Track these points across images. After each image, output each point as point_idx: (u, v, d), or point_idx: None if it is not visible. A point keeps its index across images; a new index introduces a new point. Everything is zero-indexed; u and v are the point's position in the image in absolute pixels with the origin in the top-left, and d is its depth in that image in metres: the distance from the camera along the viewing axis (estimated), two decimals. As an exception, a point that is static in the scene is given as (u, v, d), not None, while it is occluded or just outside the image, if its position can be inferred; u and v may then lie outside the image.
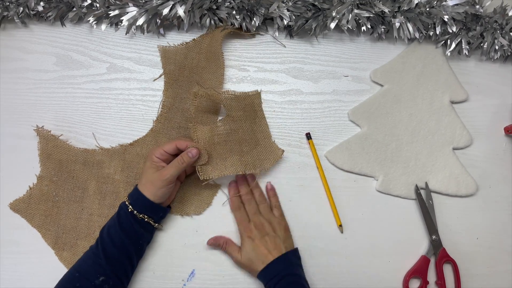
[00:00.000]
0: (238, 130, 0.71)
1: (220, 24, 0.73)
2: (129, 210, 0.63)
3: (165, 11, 0.69)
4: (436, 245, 0.71)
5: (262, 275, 0.65)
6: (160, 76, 0.75)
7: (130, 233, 0.62)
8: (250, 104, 0.72)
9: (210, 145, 0.69)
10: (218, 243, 0.69)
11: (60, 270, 0.68)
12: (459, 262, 0.71)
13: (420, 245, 0.73)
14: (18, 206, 0.69)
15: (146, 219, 0.63)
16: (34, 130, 0.70)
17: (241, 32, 0.75)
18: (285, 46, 0.77)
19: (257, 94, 0.73)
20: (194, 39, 0.74)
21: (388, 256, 0.72)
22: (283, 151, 0.72)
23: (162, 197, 0.64)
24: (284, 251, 0.65)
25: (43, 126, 0.71)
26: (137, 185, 0.65)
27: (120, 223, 0.62)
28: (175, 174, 0.63)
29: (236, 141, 0.70)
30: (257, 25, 0.73)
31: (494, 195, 0.75)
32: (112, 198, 0.70)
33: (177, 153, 0.66)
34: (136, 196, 0.64)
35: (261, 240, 0.66)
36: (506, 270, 0.73)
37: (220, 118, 0.73)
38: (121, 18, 0.71)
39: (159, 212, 0.66)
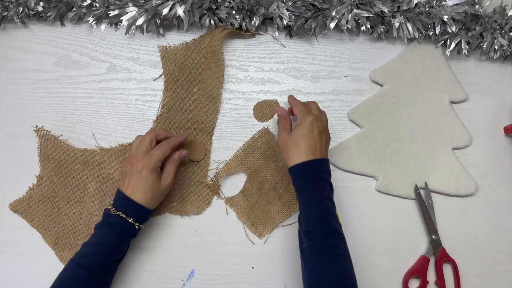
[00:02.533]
0: (266, 178, 0.72)
1: (220, 24, 0.73)
2: (130, 221, 0.61)
3: (165, 11, 0.69)
4: (435, 245, 0.71)
5: (301, 167, 0.60)
6: (160, 76, 0.75)
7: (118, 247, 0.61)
8: (265, 143, 0.72)
9: (250, 209, 0.70)
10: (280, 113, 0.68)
11: (60, 270, 0.68)
12: (458, 262, 0.71)
13: (420, 245, 0.73)
14: (18, 207, 0.69)
15: (137, 226, 0.62)
16: (34, 130, 0.70)
17: (241, 32, 0.75)
18: (284, 46, 0.77)
19: (265, 131, 0.73)
20: (194, 39, 0.74)
21: (388, 256, 0.72)
22: None
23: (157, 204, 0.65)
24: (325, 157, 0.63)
25: (42, 126, 0.71)
26: (121, 192, 0.62)
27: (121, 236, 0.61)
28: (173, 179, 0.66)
29: (270, 189, 0.72)
30: (256, 25, 0.73)
31: (494, 195, 0.75)
32: (112, 198, 0.70)
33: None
34: (129, 205, 0.61)
35: (319, 134, 0.62)
36: (506, 270, 0.73)
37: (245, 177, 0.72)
38: (121, 18, 0.71)
39: (149, 216, 0.64)
